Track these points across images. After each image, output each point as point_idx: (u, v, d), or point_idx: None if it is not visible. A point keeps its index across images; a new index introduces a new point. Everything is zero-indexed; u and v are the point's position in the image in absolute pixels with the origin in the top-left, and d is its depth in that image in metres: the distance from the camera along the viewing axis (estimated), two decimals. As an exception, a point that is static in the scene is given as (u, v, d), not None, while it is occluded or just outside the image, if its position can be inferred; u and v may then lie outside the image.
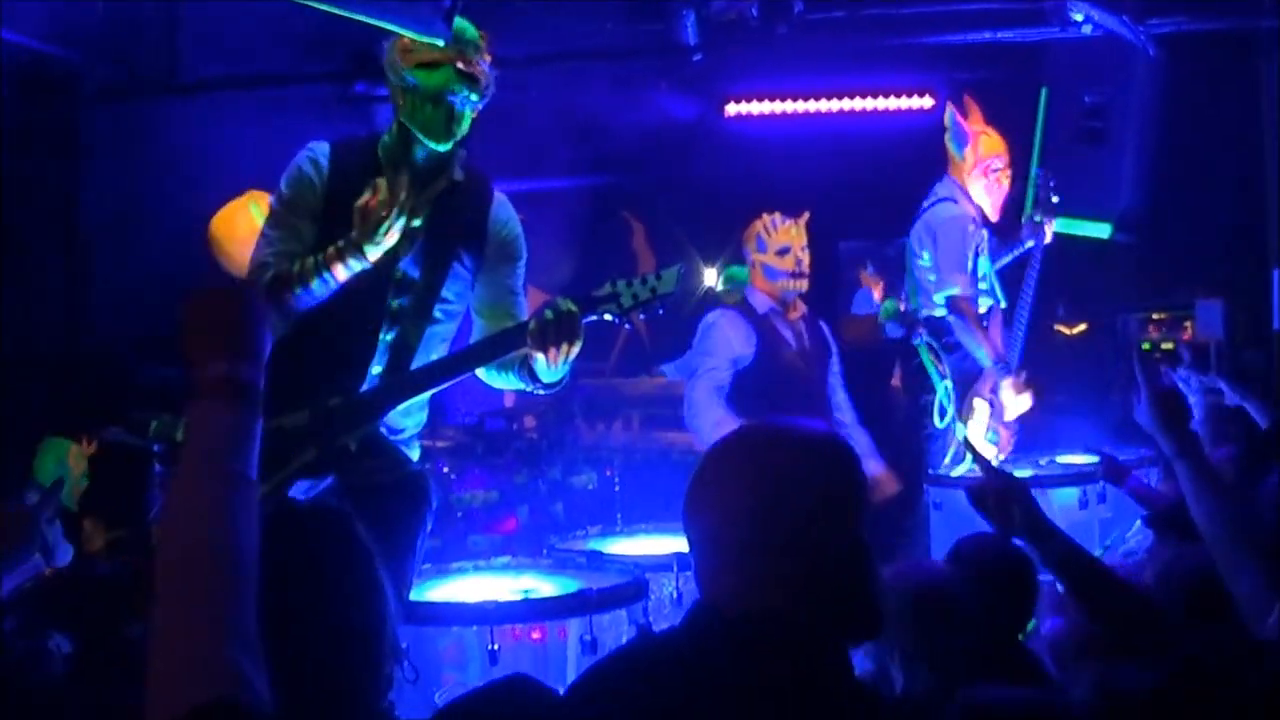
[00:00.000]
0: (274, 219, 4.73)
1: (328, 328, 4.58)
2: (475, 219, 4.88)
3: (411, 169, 4.74)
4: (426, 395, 4.93)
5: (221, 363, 2.09)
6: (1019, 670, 4.17)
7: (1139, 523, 6.56)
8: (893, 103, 10.57)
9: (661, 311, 4.75)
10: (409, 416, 4.93)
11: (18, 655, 5.04)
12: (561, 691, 2.45)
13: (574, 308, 4.53)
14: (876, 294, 11.83)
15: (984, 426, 7.81)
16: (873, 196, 8.85)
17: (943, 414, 7.81)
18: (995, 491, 3.59)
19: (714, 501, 2.43)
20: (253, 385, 2.11)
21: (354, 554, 2.61)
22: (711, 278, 12.43)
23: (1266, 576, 3.37)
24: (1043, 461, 8.05)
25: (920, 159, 8.38)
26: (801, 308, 7.53)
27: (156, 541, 1.99)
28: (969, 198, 7.92)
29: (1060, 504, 7.23)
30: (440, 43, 4.61)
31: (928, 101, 10.39)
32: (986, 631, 4.25)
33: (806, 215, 7.54)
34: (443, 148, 4.75)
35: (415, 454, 5.05)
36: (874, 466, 7.33)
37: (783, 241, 7.49)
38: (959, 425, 7.76)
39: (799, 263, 7.46)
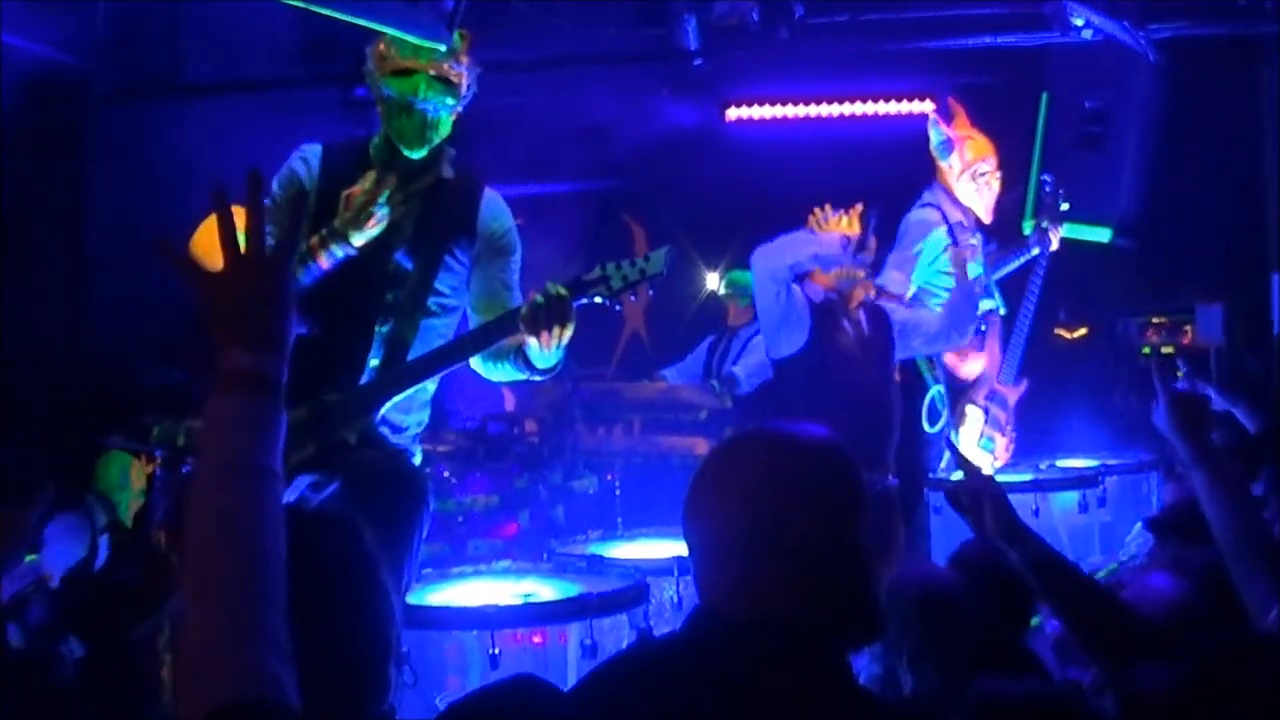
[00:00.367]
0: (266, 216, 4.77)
1: (324, 324, 4.57)
2: (465, 214, 4.96)
3: (399, 168, 4.84)
4: (428, 393, 5.03)
5: (246, 354, 2.05)
6: (1021, 669, 4.19)
7: (1139, 526, 6.58)
8: (894, 107, 10.57)
9: (651, 292, 4.85)
10: (409, 414, 4.98)
11: (32, 657, 5.07)
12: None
13: (565, 291, 4.61)
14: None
15: (977, 433, 7.82)
16: (873, 200, 8.82)
17: (934, 418, 7.82)
18: (969, 493, 3.56)
19: (713, 506, 2.43)
20: (276, 378, 2.07)
21: (361, 560, 2.62)
22: (713, 282, 12.43)
23: (1273, 582, 3.37)
24: (1043, 466, 8.07)
25: (921, 163, 8.38)
26: (861, 296, 7.38)
27: (185, 537, 1.98)
28: (957, 204, 7.93)
29: (1060, 508, 7.26)
30: (412, 48, 4.76)
31: (929, 106, 10.38)
32: (988, 632, 4.28)
33: (860, 206, 7.44)
34: (417, 155, 4.85)
35: (418, 458, 5.08)
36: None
37: (835, 229, 7.42)
38: (953, 432, 7.77)
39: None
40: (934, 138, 8.01)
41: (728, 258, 11.83)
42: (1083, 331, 11.74)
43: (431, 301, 4.90)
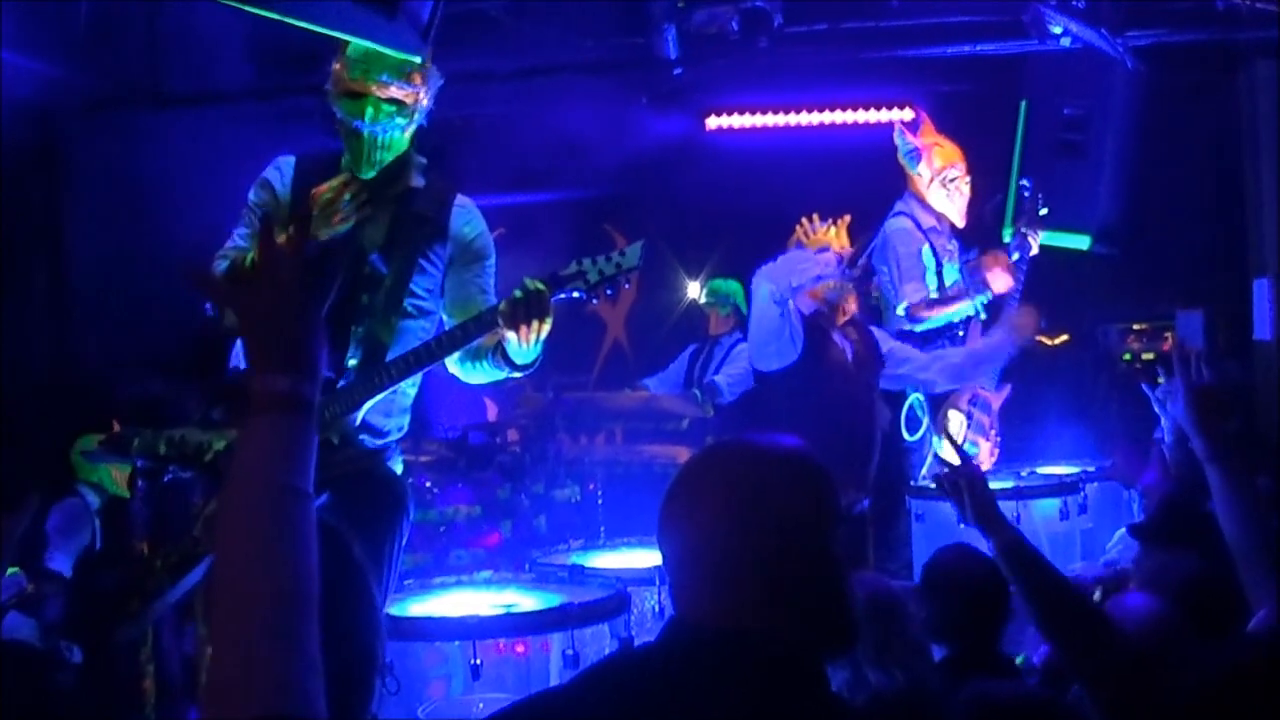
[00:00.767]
0: (241, 221, 4.99)
1: None
2: (437, 220, 5.01)
3: (357, 157, 4.89)
4: (408, 398, 5.07)
5: (284, 377, 2.09)
6: (998, 673, 4.21)
7: (1121, 532, 6.59)
8: (873, 115, 10.60)
9: (628, 285, 4.86)
10: (390, 418, 5.02)
11: (45, 656, 5.07)
12: None
13: (543, 286, 4.65)
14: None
15: (960, 437, 7.83)
16: (854, 209, 8.83)
17: (914, 426, 7.83)
18: (951, 479, 3.69)
19: (687, 517, 2.43)
20: (311, 400, 2.12)
21: (349, 571, 2.64)
22: (694, 290, 12.45)
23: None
24: (1024, 473, 8.08)
25: (901, 172, 8.40)
26: (850, 312, 7.42)
27: (216, 557, 2.01)
28: (930, 210, 7.97)
29: (1041, 515, 7.27)
30: (362, 69, 4.80)
31: (908, 114, 10.38)
32: (964, 637, 4.29)
33: (848, 218, 7.46)
34: (366, 175, 4.88)
35: (399, 467, 5.10)
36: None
37: (822, 243, 7.44)
38: (935, 438, 7.77)
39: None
40: (901, 147, 8.05)
41: (709, 266, 11.87)
42: (1064, 338, 11.77)
43: (408, 304, 4.94)
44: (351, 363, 4.82)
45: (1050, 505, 7.37)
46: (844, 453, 6.89)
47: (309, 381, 2.12)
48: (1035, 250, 8.15)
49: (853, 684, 3.96)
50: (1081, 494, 7.44)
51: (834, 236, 7.33)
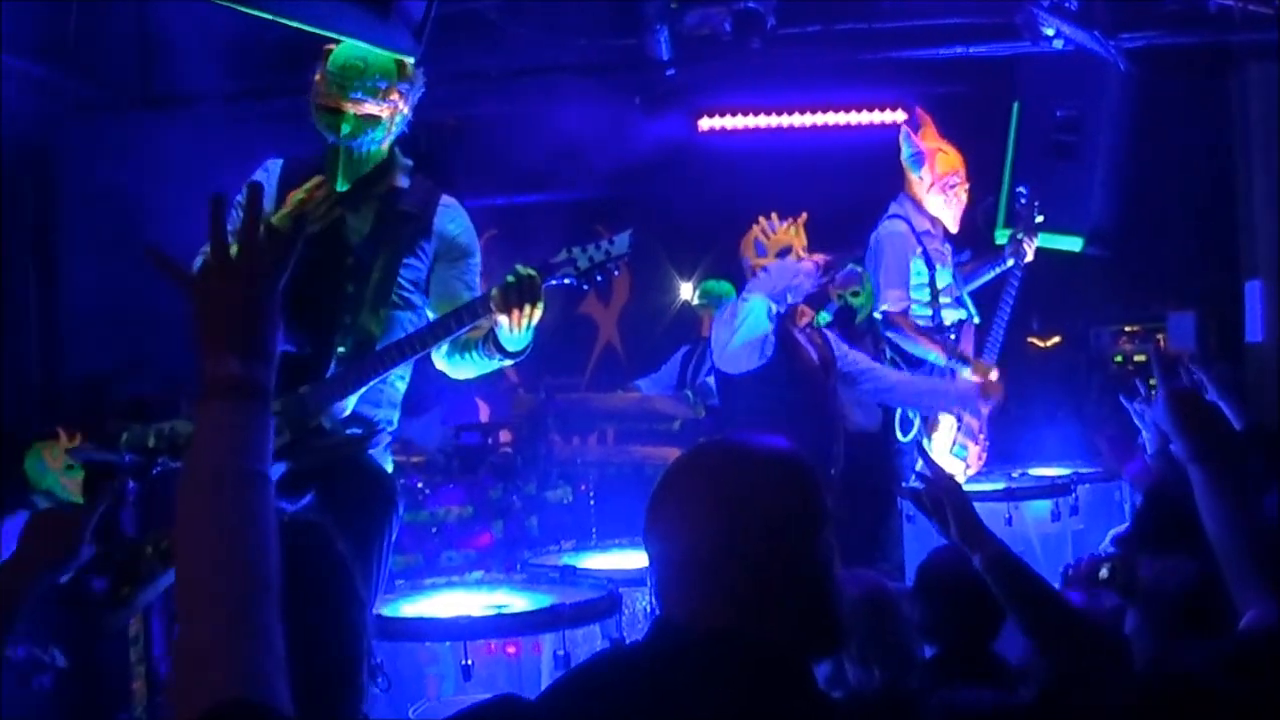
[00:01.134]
0: (230, 223, 4.89)
1: (290, 317, 4.60)
2: (421, 217, 5.07)
3: (331, 168, 5.00)
4: (397, 391, 5.13)
5: (236, 361, 2.08)
6: (989, 678, 4.20)
7: (1111, 534, 6.59)
8: (866, 117, 10.59)
9: (617, 273, 4.90)
10: (379, 408, 5.06)
11: (19, 665, 5.05)
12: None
13: (534, 271, 4.71)
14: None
15: (950, 440, 7.83)
16: (847, 210, 8.83)
17: (906, 427, 7.84)
18: (931, 495, 3.61)
19: (674, 517, 2.43)
20: (265, 384, 2.11)
21: (335, 570, 2.64)
22: (687, 292, 12.45)
23: (1269, 586, 3.37)
24: (1015, 474, 8.08)
25: (894, 173, 8.39)
26: (809, 314, 7.44)
27: (174, 543, 2.00)
28: (924, 213, 7.97)
29: (1033, 516, 7.27)
30: (338, 84, 4.89)
31: (901, 116, 10.39)
32: (956, 638, 4.29)
33: (805, 216, 7.49)
34: (342, 188, 4.98)
35: (389, 465, 5.12)
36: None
37: (783, 243, 7.44)
38: (925, 440, 7.78)
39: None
40: (905, 150, 8.03)
41: (701, 267, 11.87)
42: (1056, 340, 11.77)
43: (396, 294, 5.00)
44: (340, 350, 4.86)
45: (1042, 507, 7.37)
46: (811, 454, 6.91)
47: (262, 365, 2.11)
48: (1030, 258, 8.14)
49: (832, 679, 3.97)
50: (1073, 495, 7.43)
51: (794, 235, 7.36)
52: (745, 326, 7.03)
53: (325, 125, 4.93)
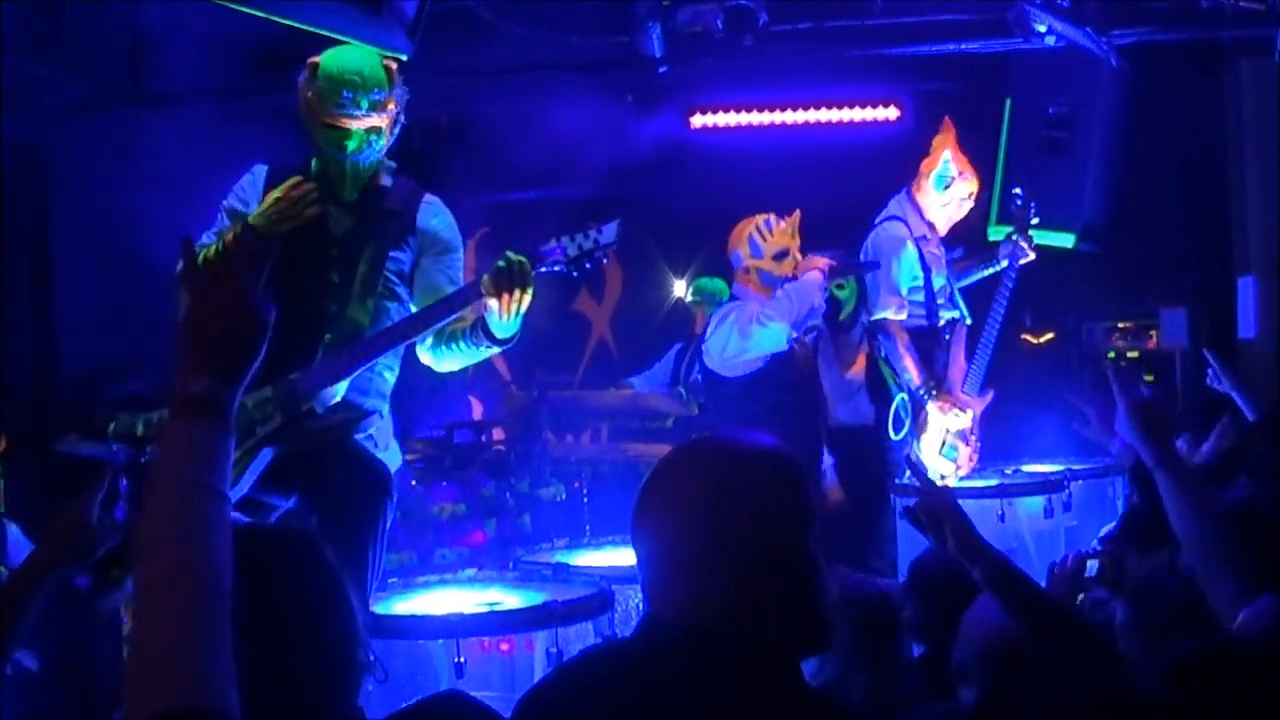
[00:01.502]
0: (212, 225, 5.14)
1: (278, 309, 4.67)
2: (405, 213, 5.16)
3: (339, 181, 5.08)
4: (386, 382, 5.20)
5: (205, 381, 2.13)
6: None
7: (1104, 530, 6.59)
8: (858, 114, 10.58)
9: (605, 260, 4.99)
10: (367, 397, 5.13)
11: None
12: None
13: (526, 258, 4.78)
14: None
15: (939, 442, 7.84)
16: (839, 207, 8.83)
17: (899, 426, 7.85)
18: (927, 509, 3.56)
19: (661, 514, 2.43)
20: (228, 407, 2.15)
21: (322, 574, 2.64)
22: (680, 289, 12.44)
23: (1241, 584, 3.39)
24: (1008, 470, 8.08)
25: (886, 169, 8.40)
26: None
27: (134, 553, 2.03)
28: (924, 218, 7.97)
29: (1026, 513, 7.27)
30: (337, 102, 4.94)
31: (893, 113, 10.41)
32: (945, 638, 4.29)
33: (798, 214, 7.53)
34: (348, 198, 5.08)
35: (395, 460, 5.21)
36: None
37: (780, 245, 7.51)
38: (915, 442, 7.79)
39: (796, 265, 7.50)
40: (940, 168, 7.98)
41: (695, 265, 11.86)
42: (1049, 336, 11.77)
43: (381, 284, 5.07)
44: (327, 338, 4.94)
45: (1035, 503, 7.37)
46: (802, 453, 6.94)
47: (229, 387, 2.16)
48: (1031, 257, 8.14)
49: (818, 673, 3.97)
50: (1066, 492, 7.44)
51: (790, 238, 7.42)
52: (760, 346, 7.10)
53: (328, 141, 4.98)
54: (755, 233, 7.55)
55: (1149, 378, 10.07)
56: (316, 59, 5.00)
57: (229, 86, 9.29)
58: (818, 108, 10.63)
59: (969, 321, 8.08)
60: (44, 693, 6.33)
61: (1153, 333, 11.07)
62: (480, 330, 4.93)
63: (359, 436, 5.07)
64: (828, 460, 7.78)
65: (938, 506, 3.55)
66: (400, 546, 7.69)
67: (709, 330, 7.65)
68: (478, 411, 10.34)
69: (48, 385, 9.27)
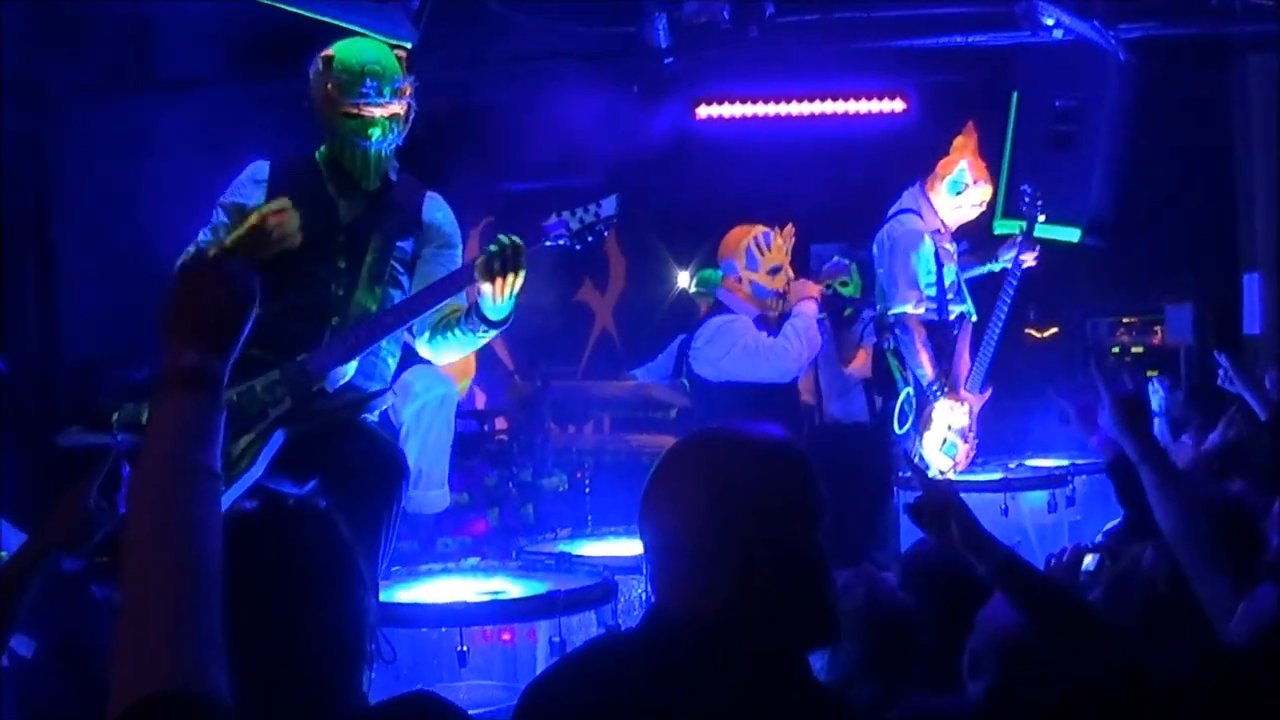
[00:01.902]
0: (211, 217, 5.13)
1: (285, 294, 4.90)
2: (408, 206, 5.22)
3: (345, 176, 5.13)
4: (389, 367, 5.25)
5: (193, 353, 2.10)
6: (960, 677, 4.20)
7: (1109, 526, 6.58)
8: (864, 106, 10.56)
9: (606, 233, 5.11)
10: (371, 381, 5.15)
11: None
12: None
13: (519, 240, 4.85)
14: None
15: (940, 439, 7.84)
16: (844, 199, 8.84)
17: (903, 420, 7.85)
18: (931, 506, 3.55)
19: (669, 506, 2.42)
20: (218, 379, 2.12)
21: (336, 557, 2.65)
22: (684, 280, 12.42)
23: (1231, 577, 3.40)
24: (1012, 465, 8.08)
25: (892, 162, 8.39)
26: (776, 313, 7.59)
27: (122, 532, 2.00)
28: (935, 213, 7.96)
29: (1029, 507, 7.27)
30: (363, 80, 4.97)
31: (899, 105, 10.39)
32: (934, 636, 4.28)
33: (792, 228, 7.60)
34: (371, 187, 5.12)
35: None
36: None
37: (775, 261, 7.58)
38: (917, 438, 7.79)
39: (789, 280, 7.58)
40: (955, 174, 7.96)
41: (698, 256, 11.83)
42: (1053, 331, 11.76)
43: (388, 272, 5.12)
44: (334, 322, 4.98)
45: (1038, 498, 7.37)
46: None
47: (218, 359, 2.13)
48: (1031, 263, 8.14)
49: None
50: (1069, 486, 7.43)
51: (784, 254, 7.50)
52: (763, 378, 7.22)
53: (352, 131, 5.01)
54: (753, 246, 7.59)
55: (1153, 373, 10.05)
56: (329, 51, 5.04)
57: (233, 74, 9.28)
58: (824, 100, 10.61)
59: (975, 318, 8.06)
60: (41, 680, 6.32)
61: (1157, 328, 11.06)
62: (475, 315, 4.98)
63: (369, 417, 5.13)
64: None
65: (941, 502, 3.53)
66: (402, 535, 7.68)
67: (700, 340, 7.70)
68: (481, 401, 10.31)
69: (51, 373, 9.26)
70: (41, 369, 9.23)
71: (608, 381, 10.31)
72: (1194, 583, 3.54)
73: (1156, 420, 5.66)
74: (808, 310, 7.52)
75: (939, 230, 7.95)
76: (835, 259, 9.02)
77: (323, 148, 5.18)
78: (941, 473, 7.52)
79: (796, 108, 10.64)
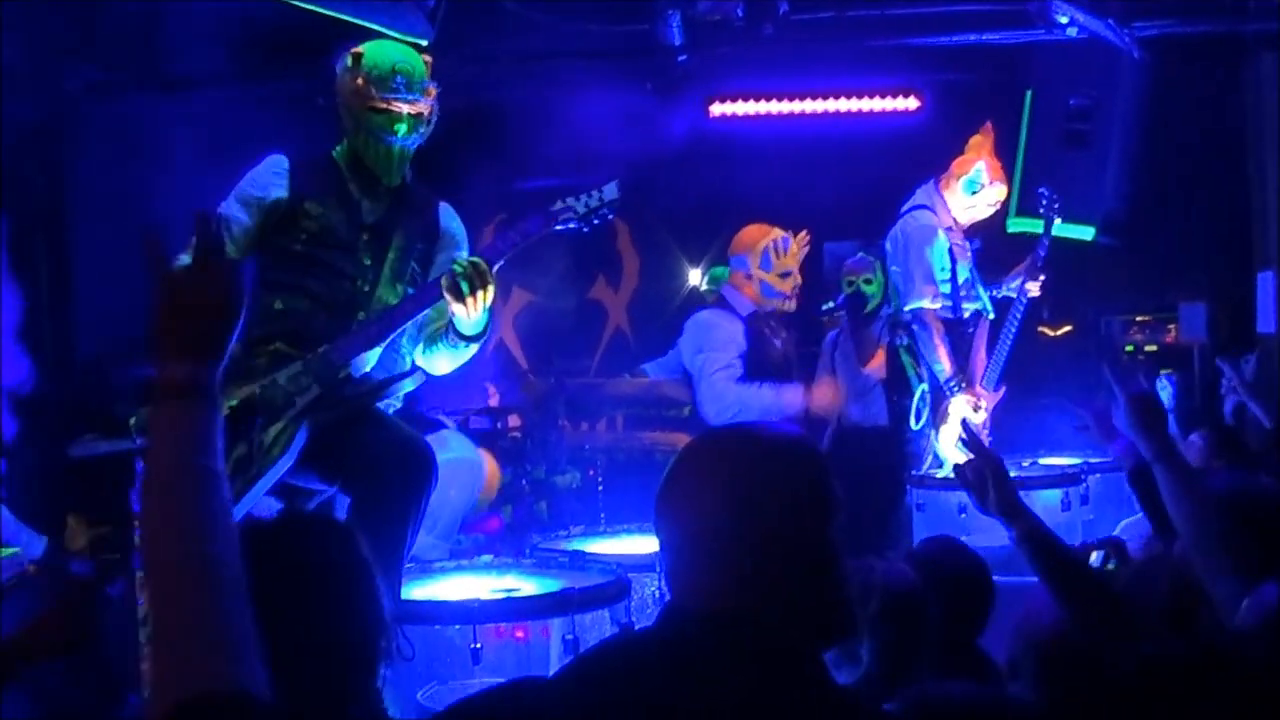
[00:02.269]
0: (224, 207, 5.17)
1: (312, 290, 5.09)
2: (428, 212, 5.40)
3: (366, 172, 5.25)
4: (406, 362, 5.37)
5: (186, 364, 2.10)
6: (972, 672, 4.21)
7: (1123, 524, 6.58)
8: (878, 104, 10.55)
9: (611, 216, 5.25)
10: (390, 373, 5.27)
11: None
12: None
13: (479, 260, 4.98)
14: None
15: (956, 433, 7.84)
16: (858, 197, 8.83)
17: (918, 416, 7.86)
18: (976, 468, 3.80)
19: (685, 502, 2.43)
20: (211, 385, 2.12)
21: (350, 563, 2.67)
22: (696, 277, 12.44)
23: (1241, 576, 3.42)
24: (1025, 463, 8.07)
25: (905, 160, 8.38)
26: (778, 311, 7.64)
27: (140, 543, 2.01)
28: (948, 209, 7.95)
29: (1043, 505, 7.25)
30: (390, 87, 5.09)
31: (913, 103, 10.38)
32: (942, 632, 4.29)
33: (805, 235, 7.63)
34: (393, 183, 5.25)
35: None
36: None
37: (789, 265, 7.61)
38: (932, 432, 7.79)
39: (796, 286, 7.62)
40: (972, 174, 7.96)
41: (710, 253, 11.84)
42: (1066, 329, 11.76)
43: (409, 270, 5.26)
44: (360, 317, 5.11)
45: (1052, 496, 7.37)
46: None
47: (210, 368, 2.12)
48: (1036, 293, 8.13)
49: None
50: (1083, 485, 7.43)
51: (796, 259, 7.55)
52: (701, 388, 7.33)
53: (379, 126, 5.12)
54: (771, 248, 7.62)
55: (1166, 371, 10.03)
56: (359, 49, 5.17)
57: (246, 71, 9.29)
58: (837, 97, 10.60)
59: (992, 316, 8.06)
60: (52, 678, 6.33)
61: (1171, 327, 11.06)
62: (452, 331, 5.12)
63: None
64: None
65: (986, 466, 3.78)
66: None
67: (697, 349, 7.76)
68: (494, 398, 10.32)
69: (65, 368, 9.28)
70: (55, 365, 9.24)
71: (621, 379, 10.30)
72: (1206, 582, 3.57)
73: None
74: (790, 400, 7.61)
75: (951, 228, 7.95)
76: (860, 255, 9.04)
77: (340, 146, 5.27)
78: (956, 468, 7.52)
79: (810, 105, 10.64)
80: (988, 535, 5.33)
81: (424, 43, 5.10)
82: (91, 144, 9.23)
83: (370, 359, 5.12)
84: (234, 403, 4.83)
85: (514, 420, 9.42)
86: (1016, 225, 8.56)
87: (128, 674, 5.69)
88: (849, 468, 7.67)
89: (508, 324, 12.22)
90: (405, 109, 5.09)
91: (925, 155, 8.25)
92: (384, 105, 5.08)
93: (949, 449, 7.70)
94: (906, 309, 7.85)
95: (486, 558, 6.01)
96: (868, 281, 8.46)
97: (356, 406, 5.03)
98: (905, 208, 8.03)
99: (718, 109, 10.70)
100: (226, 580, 1.93)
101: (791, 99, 10.65)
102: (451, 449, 7.37)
